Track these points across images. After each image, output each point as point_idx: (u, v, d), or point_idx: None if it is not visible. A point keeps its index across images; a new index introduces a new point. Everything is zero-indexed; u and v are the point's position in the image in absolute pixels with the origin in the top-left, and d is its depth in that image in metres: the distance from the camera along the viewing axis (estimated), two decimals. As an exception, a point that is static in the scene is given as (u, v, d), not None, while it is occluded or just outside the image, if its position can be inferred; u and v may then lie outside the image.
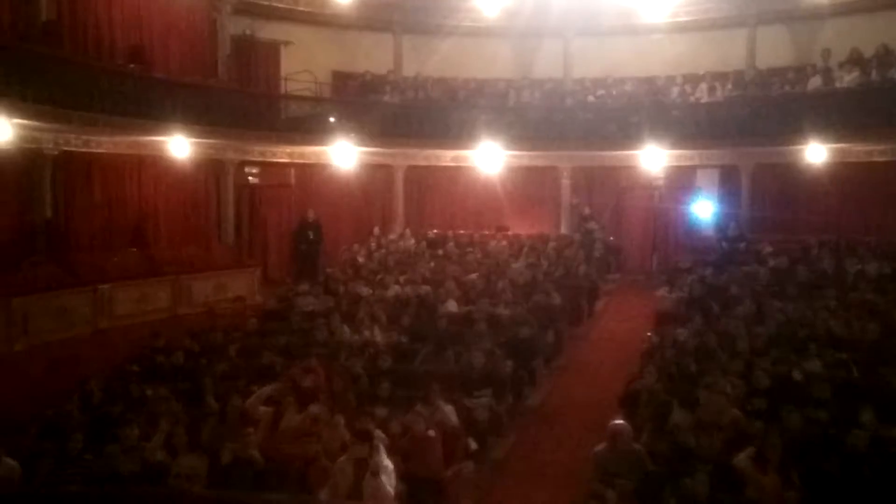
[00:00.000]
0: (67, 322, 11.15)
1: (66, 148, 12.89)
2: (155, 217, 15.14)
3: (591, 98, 18.32)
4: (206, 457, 6.79)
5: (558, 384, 10.63)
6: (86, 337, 11.24)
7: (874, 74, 15.30)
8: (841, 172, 15.80)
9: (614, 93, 18.40)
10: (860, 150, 15.42)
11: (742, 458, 5.95)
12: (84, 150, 13.33)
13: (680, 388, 7.62)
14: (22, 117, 11.03)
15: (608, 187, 18.54)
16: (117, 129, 13.21)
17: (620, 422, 6.67)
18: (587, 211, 17.95)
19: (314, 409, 7.78)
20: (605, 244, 17.10)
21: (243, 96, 16.55)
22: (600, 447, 6.46)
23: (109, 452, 6.85)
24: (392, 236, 17.89)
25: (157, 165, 14.94)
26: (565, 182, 18.27)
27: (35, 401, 8.70)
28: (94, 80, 12.55)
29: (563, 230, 18.07)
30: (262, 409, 7.87)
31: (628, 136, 16.74)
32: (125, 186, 14.56)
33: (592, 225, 17.55)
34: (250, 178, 17.62)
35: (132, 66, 14.02)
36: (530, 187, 18.62)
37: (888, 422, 6.66)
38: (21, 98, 10.65)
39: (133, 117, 13.13)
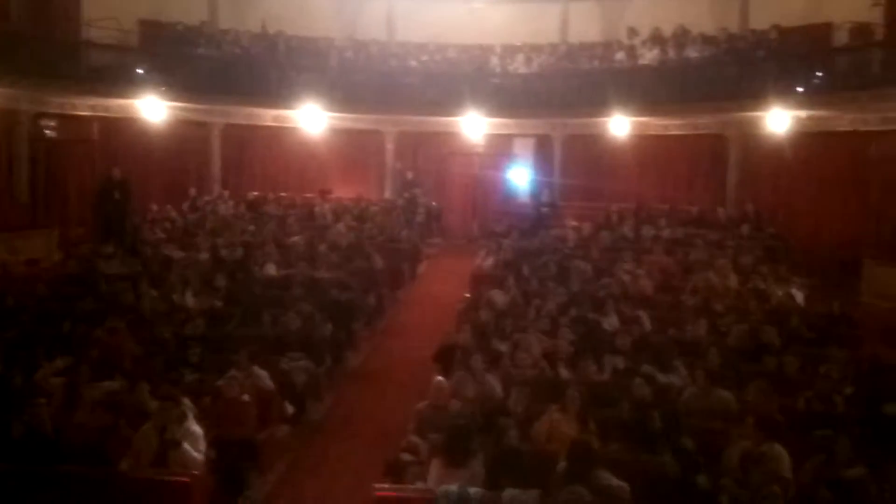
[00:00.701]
0: None
1: None
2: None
3: (413, 63, 18.41)
4: (-8, 429, 6.26)
5: (378, 346, 10.74)
6: None
7: (671, 53, 16.52)
8: (642, 144, 17.00)
9: (437, 59, 18.60)
10: (658, 123, 16.65)
11: (551, 410, 6.30)
12: None
13: (490, 344, 7.94)
14: None
15: (432, 153, 18.80)
16: None
17: (441, 378, 6.85)
18: (410, 176, 18.14)
19: (116, 377, 7.39)
20: (427, 209, 17.38)
21: (39, 42, 15.09)
22: (422, 404, 6.61)
23: None
24: (208, 197, 17.13)
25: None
26: (389, 146, 18.32)
27: None
28: None
29: (387, 194, 18.14)
30: (55, 379, 7.34)
31: (450, 102, 17.04)
32: None
33: (416, 190, 17.77)
34: (47, 131, 16.14)
35: None
36: (354, 151, 18.52)
37: (668, 371, 7.33)
38: None
39: None
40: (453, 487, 5.03)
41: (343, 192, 18.01)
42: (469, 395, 6.84)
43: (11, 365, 7.80)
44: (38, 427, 6.14)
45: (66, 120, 16.08)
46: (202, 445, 6.10)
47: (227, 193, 17.36)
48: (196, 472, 5.77)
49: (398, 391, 8.94)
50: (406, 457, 6.11)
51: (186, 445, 5.91)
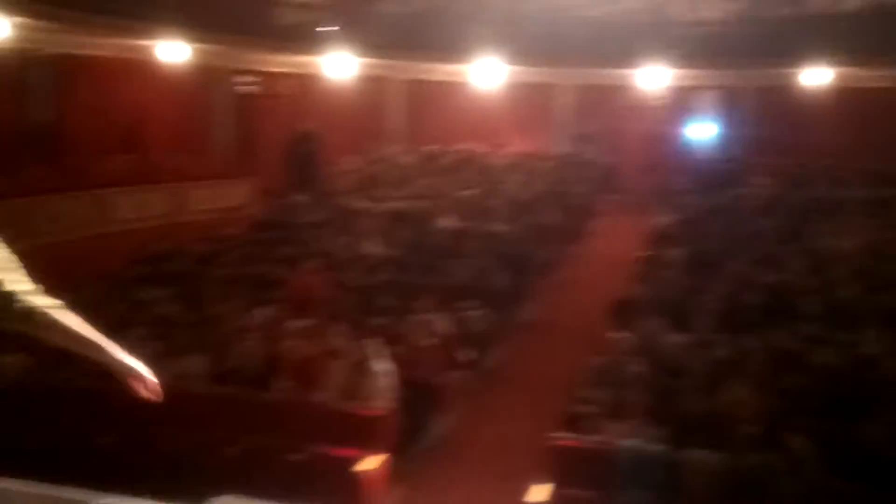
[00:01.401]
0: (65, 226, 11.18)
1: (62, 49, 12.64)
2: (151, 124, 14.98)
3: (591, 13, 17.93)
4: (207, 358, 7.01)
5: (552, 300, 10.84)
6: (86, 241, 11.29)
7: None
8: (837, 97, 15.69)
9: (615, 8, 18.01)
10: (856, 75, 15.30)
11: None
12: (78, 52, 13.07)
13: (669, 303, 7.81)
14: (22, 15, 10.77)
15: (608, 107, 18.36)
16: (111, 29, 12.93)
17: (619, 334, 6.85)
18: (585, 131, 17.86)
19: (312, 316, 7.98)
20: (602, 164, 17.10)
21: (240, 2, 16.15)
22: (599, 358, 6.67)
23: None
24: (389, 151, 17.80)
25: (154, 72, 14.69)
26: (565, 100, 18.11)
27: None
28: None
29: (562, 149, 18.00)
30: (259, 315, 8.04)
31: (629, 53, 16.49)
32: (120, 92, 14.34)
33: (590, 144, 17.50)
34: (247, 87, 17.38)
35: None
36: (529, 105, 18.43)
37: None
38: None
39: (130, 19, 12.84)
40: (635, 443, 5.08)
41: (517, 147, 18.08)
42: (647, 353, 6.81)
43: (221, 303, 8.64)
44: (252, 358, 6.80)
45: (264, 76, 17.20)
46: (389, 384, 6.51)
47: (403, 147, 17.94)
48: (385, 408, 6.19)
49: (571, 345, 9.01)
50: (583, 409, 6.21)
51: (380, 380, 6.35)
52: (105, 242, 11.53)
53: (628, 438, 5.33)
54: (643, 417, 5.57)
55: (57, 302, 2.18)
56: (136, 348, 6.58)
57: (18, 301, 2.13)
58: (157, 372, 6.36)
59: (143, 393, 2.28)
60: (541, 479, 5.50)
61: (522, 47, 16.98)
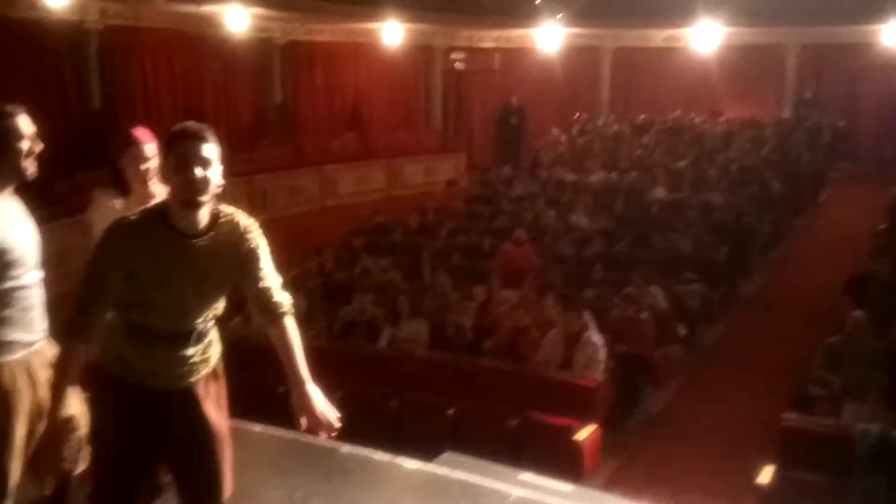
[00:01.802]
0: (298, 199, 12.21)
1: (292, 37, 13.70)
2: (370, 103, 15.85)
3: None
4: (427, 323, 7.37)
5: (775, 275, 10.20)
6: (314, 213, 12.26)
7: None
8: None
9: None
10: None
11: None
12: (307, 38, 14.09)
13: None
14: (256, 6, 11.79)
15: (839, 67, 16.76)
16: (336, 16, 13.76)
17: (859, 312, 6.32)
18: (809, 94, 16.43)
19: (524, 287, 8.11)
20: (833, 129, 15.69)
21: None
22: (834, 337, 6.21)
23: (343, 313, 7.60)
24: (599, 121, 17.50)
25: (371, 53, 15.52)
26: (790, 62, 16.77)
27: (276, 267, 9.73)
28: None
29: (786, 114, 16.74)
30: (477, 288, 8.28)
31: (867, 8, 14.88)
32: (343, 74, 15.31)
33: (814, 110, 16.09)
34: (457, 63, 17.82)
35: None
36: (749, 68, 17.23)
37: None
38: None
39: (351, 4, 13.61)
40: (874, 428, 4.71)
41: (735, 113, 17.05)
42: (884, 332, 6.24)
43: (437, 272, 9.00)
44: (464, 325, 7.07)
45: (472, 52, 17.55)
46: (603, 355, 6.48)
47: (612, 117, 17.55)
48: (600, 379, 6.19)
49: (798, 322, 8.46)
50: (815, 390, 5.82)
51: (590, 353, 6.34)
52: (331, 215, 12.45)
53: (865, 422, 4.93)
54: (882, 399, 5.12)
55: (290, 303, 2.43)
56: (364, 313, 7.05)
57: (271, 296, 2.39)
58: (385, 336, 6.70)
59: (313, 428, 2.48)
60: (762, 460, 5.25)
61: (742, 7, 15.90)
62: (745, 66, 17.09)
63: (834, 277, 9.14)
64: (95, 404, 2.51)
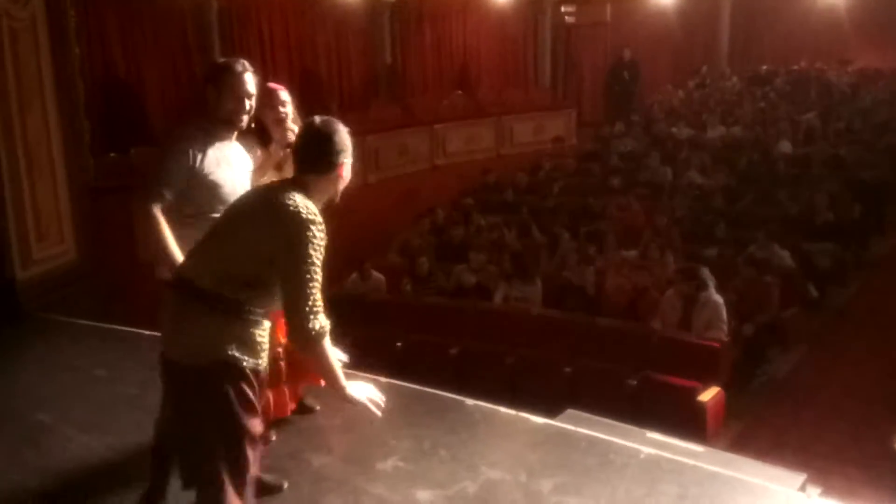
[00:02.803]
0: (409, 158, 12.29)
1: (401, -4, 13.71)
2: (478, 61, 15.70)
3: None
4: (540, 282, 7.34)
5: (912, 233, 9.57)
6: (424, 172, 12.33)
7: None
8: None
9: None
10: None
11: None
12: (416, -3, 14.08)
13: None
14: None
15: None
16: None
17: None
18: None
19: (642, 245, 7.92)
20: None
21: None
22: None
23: (458, 271, 7.66)
24: (717, 73, 16.72)
25: (479, 10, 15.31)
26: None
27: (389, 226, 9.91)
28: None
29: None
30: (590, 246, 8.14)
31: None
32: (451, 32, 15.20)
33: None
34: (567, 17, 17.35)
35: None
36: (882, 11, 15.97)
37: None
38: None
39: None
40: None
41: (866, 62, 15.91)
42: None
43: (550, 231, 8.91)
44: (584, 284, 6.99)
45: (582, 4, 17.04)
46: (724, 315, 6.27)
47: (729, 71, 16.73)
48: (724, 339, 6.00)
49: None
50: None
51: (711, 313, 6.16)
52: (441, 174, 12.49)
53: None
54: None
55: (328, 326, 2.27)
56: (479, 272, 7.10)
57: (307, 320, 2.23)
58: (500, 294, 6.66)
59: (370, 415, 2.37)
60: (896, 427, 4.99)
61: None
62: (878, 8, 15.84)
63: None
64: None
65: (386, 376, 4.02)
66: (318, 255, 2.25)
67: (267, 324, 2.39)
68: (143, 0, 10.27)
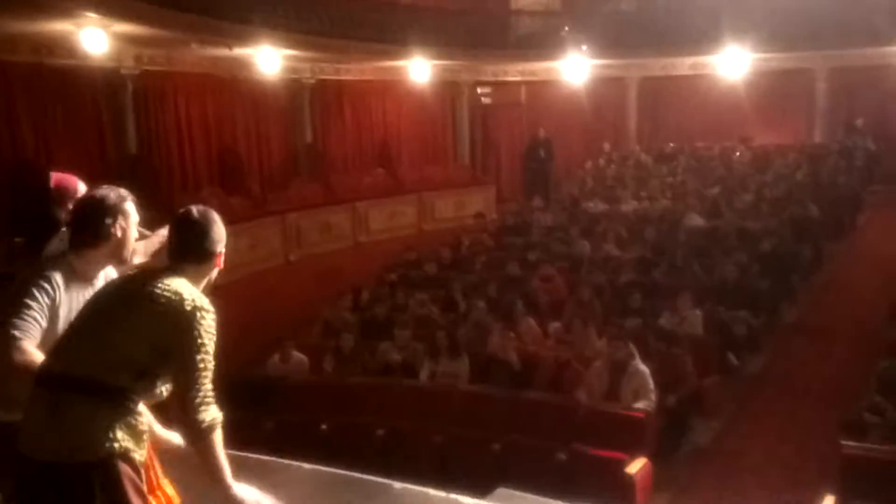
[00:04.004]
0: (331, 236, 12.26)
1: (321, 77, 13.89)
2: (398, 139, 15.98)
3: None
4: (466, 357, 7.29)
5: (818, 300, 10.00)
6: (347, 250, 12.30)
7: None
8: None
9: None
10: None
11: None
12: (336, 78, 14.28)
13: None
14: (287, 48, 11.93)
15: (871, 90, 16.58)
16: (365, 55, 13.93)
17: (902, 337, 6.18)
18: (860, 122, 16.11)
19: (562, 318, 8.02)
20: (866, 152, 15.48)
21: (474, 16, 16.72)
22: (886, 363, 6.05)
23: (383, 349, 7.55)
24: (627, 151, 17.45)
25: (399, 90, 15.69)
26: (821, 86, 16.64)
27: (312, 304, 9.75)
28: (345, 8, 13.24)
29: (818, 139, 16.57)
30: (512, 316, 8.19)
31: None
32: (371, 111, 15.48)
33: (863, 139, 15.79)
34: (483, 98, 17.93)
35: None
36: (778, 93, 17.11)
37: None
38: (286, 29, 11.53)
39: (378, 43, 13.77)
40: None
41: (766, 139, 16.92)
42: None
43: (473, 306, 8.92)
44: (507, 357, 6.98)
45: (498, 86, 17.67)
46: (651, 384, 6.35)
47: (638, 148, 17.49)
48: (646, 411, 6.05)
49: (846, 348, 8.27)
50: (870, 417, 5.65)
51: (636, 383, 6.23)
52: (364, 251, 12.48)
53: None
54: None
55: (219, 417, 2.20)
56: (404, 349, 7.00)
57: (198, 411, 2.15)
58: (426, 371, 6.57)
59: None
60: (820, 492, 5.07)
61: (769, 32, 15.84)
62: (774, 90, 16.99)
63: (878, 301, 8.98)
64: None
65: (310, 461, 3.87)
66: (210, 344, 2.19)
67: (145, 413, 2.26)
68: (56, 81, 10.06)
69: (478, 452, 6.06)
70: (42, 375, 2.21)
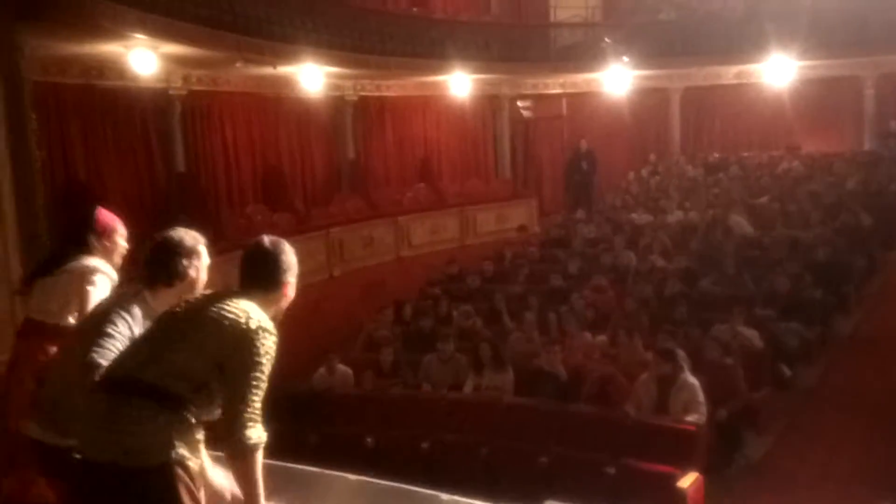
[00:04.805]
0: (374, 250, 12.33)
1: (363, 93, 14.03)
2: (439, 154, 16.03)
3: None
4: (511, 370, 7.24)
5: (872, 311, 9.72)
6: (390, 263, 12.35)
7: None
8: None
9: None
10: None
11: None
12: (377, 94, 14.41)
13: None
14: (329, 65, 12.08)
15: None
16: (405, 70, 14.02)
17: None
18: (894, 125, 15.81)
19: (608, 330, 7.91)
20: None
21: (515, 30, 16.73)
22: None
23: (426, 362, 7.54)
24: (671, 161, 17.24)
25: (439, 105, 15.76)
26: (869, 92, 16.28)
27: (355, 318, 9.78)
28: (385, 25, 13.38)
29: (867, 146, 16.18)
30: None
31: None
32: (413, 127, 15.57)
33: (893, 139, 15.45)
34: (524, 111, 17.89)
35: (415, 9, 14.80)
36: (825, 101, 16.76)
37: None
38: (328, 47, 11.68)
39: (418, 58, 13.86)
40: None
41: (813, 147, 16.57)
42: None
43: (517, 318, 8.88)
44: (554, 370, 6.91)
45: (539, 99, 17.62)
46: (701, 396, 6.22)
47: (683, 159, 17.26)
48: (696, 424, 5.93)
49: (901, 361, 8.01)
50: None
51: (686, 396, 6.10)
52: (406, 265, 12.52)
53: None
54: None
55: (264, 437, 2.22)
56: (448, 362, 6.98)
57: (246, 428, 2.17)
58: (470, 384, 6.52)
59: None
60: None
61: (816, 40, 15.54)
62: (821, 98, 16.63)
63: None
64: None
65: (355, 474, 3.86)
66: (267, 364, 2.23)
67: (199, 427, 2.28)
68: (106, 102, 10.30)
69: (525, 465, 6.00)
70: (102, 382, 2.27)
